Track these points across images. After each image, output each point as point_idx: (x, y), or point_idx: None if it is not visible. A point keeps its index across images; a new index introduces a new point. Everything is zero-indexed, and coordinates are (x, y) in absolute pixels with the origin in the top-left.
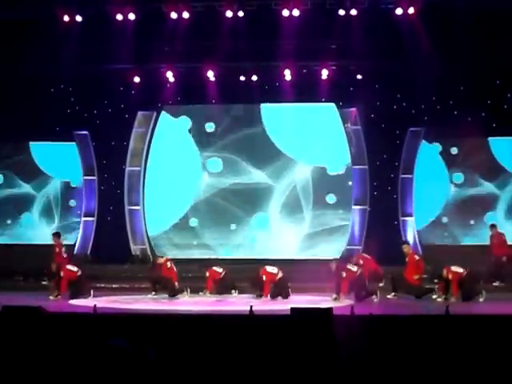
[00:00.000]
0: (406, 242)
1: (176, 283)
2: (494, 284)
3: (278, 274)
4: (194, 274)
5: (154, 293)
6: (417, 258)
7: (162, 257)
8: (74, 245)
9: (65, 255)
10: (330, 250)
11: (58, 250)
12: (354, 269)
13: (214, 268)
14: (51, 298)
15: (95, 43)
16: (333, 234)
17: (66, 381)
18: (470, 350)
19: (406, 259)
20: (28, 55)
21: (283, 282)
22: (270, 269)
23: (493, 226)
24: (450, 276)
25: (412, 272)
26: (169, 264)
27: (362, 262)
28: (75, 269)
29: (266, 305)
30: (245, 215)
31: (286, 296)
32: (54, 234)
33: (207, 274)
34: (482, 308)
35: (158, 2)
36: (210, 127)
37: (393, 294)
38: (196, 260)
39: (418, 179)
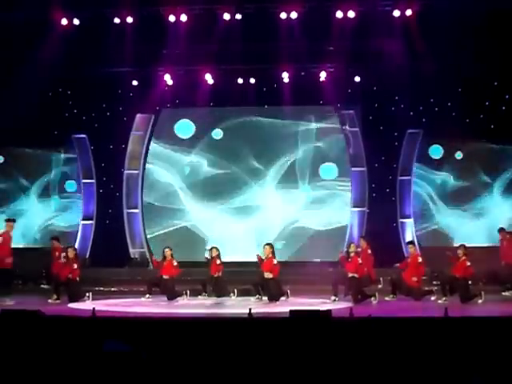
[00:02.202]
0: (412, 243)
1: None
2: (504, 293)
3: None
4: (192, 277)
5: (148, 295)
6: (419, 260)
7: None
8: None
9: (63, 260)
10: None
11: (57, 253)
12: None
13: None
14: (50, 301)
15: (93, 46)
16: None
17: None
18: (469, 352)
19: (408, 260)
20: (25, 58)
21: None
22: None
23: (501, 230)
24: (461, 252)
25: (411, 273)
26: (175, 262)
27: (365, 245)
28: (70, 275)
29: (265, 307)
30: None
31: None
32: (53, 238)
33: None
34: (481, 310)
35: (156, 5)
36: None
37: (391, 296)
38: (196, 262)
39: None
